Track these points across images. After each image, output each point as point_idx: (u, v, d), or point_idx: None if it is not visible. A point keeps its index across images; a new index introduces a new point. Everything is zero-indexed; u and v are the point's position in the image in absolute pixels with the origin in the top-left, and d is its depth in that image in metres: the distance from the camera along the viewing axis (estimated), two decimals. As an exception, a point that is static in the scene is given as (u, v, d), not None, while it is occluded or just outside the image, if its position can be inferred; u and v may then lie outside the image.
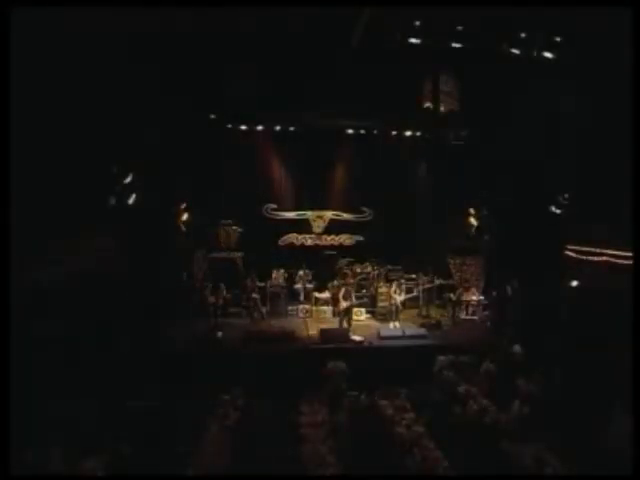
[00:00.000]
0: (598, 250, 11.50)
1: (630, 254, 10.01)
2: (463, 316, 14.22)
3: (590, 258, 11.76)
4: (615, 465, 6.49)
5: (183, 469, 7.12)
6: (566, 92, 11.97)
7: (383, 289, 14.33)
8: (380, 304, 14.28)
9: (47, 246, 9.03)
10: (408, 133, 16.61)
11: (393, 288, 13.86)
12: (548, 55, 11.67)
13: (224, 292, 13.78)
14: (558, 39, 11.52)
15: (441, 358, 10.79)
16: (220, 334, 12.21)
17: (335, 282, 14.78)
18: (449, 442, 7.88)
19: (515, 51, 11.74)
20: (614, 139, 11.22)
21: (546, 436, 7.76)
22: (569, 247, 12.64)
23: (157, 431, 8.11)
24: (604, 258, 11.29)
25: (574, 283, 12.38)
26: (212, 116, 14.86)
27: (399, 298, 13.67)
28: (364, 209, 17.07)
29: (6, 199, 6.01)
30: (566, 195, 13.49)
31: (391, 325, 13.17)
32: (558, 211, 13.75)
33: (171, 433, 8.15)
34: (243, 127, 15.88)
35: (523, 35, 11.56)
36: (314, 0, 9.25)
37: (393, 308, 13.65)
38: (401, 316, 13.99)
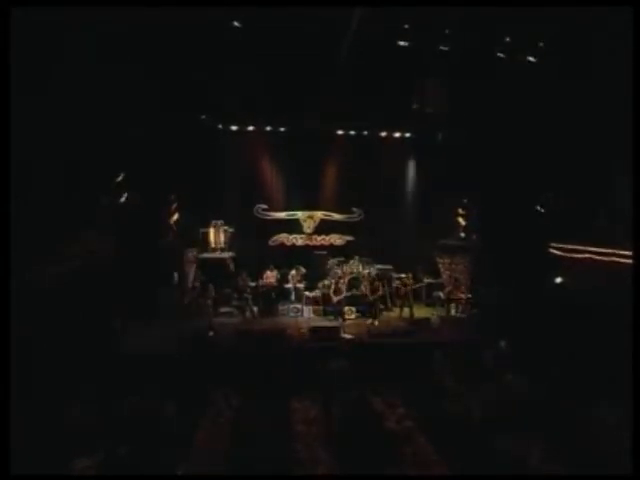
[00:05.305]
0: (581, 247, 11.79)
1: (610, 250, 10.36)
2: (452, 314, 14.46)
3: (573, 255, 12.06)
4: (615, 465, 6.59)
5: (177, 469, 7.25)
6: (552, 93, 12.18)
7: (373, 288, 14.50)
8: (370, 302, 14.43)
9: (43, 247, 9.11)
10: (397, 134, 16.86)
11: (382, 287, 14.11)
12: (532, 59, 11.91)
13: (213, 292, 13.87)
14: (544, 42, 11.73)
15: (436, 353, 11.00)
16: (211, 333, 12.30)
17: (326, 281, 15.04)
18: (440, 437, 8.09)
19: (501, 54, 11.96)
20: (599, 138, 11.51)
21: (536, 433, 7.96)
22: (553, 245, 12.94)
23: (151, 431, 8.18)
24: (586, 255, 11.58)
25: (558, 280, 12.69)
26: (203, 116, 14.97)
27: (388, 297, 13.91)
28: (354, 209, 17.23)
29: (5, 199, 6.10)
30: (550, 194, 13.77)
31: (376, 323, 13.38)
32: (543, 210, 14.03)
33: (165, 433, 8.22)
34: (234, 127, 16.02)
35: (512, 38, 11.76)
36: (306, 0, 9.38)
37: (382, 306, 13.87)
38: (390, 314, 14.26)
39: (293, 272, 15.35)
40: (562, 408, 8.54)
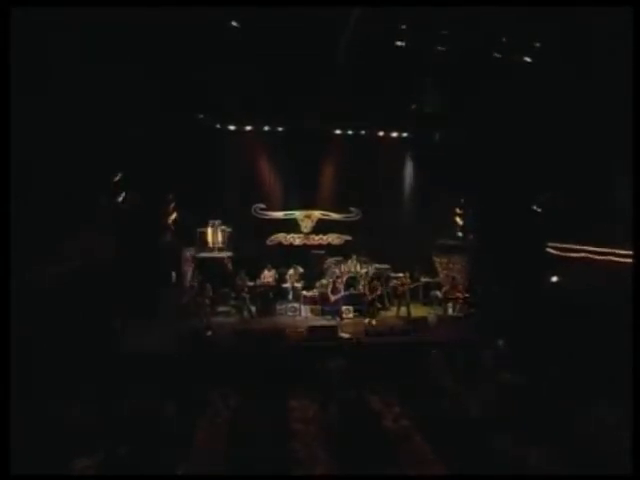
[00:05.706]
0: (577, 247, 11.86)
1: (606, 250, 10.43)
2: (449, 313, 14.51)
3: (570, 255, 12.12)
4: (615, 465, 6.61)
5: (177, 469, 7.25)
6: (551, 93, 12.22)
7: (370, 287, 14.53)
8: (367, 301, 14.47)
9: (43, 247, 9.10)
10: (395, 134, 16.90)
11: (379, 286, 14.14)
12: (531, 59, 11.94)
13: (210, 292, 13.87)
14: (544, 42, 11.74)
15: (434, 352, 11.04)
16: (209, 333, 12.30)
17: (323, 281, 15.07)
18: (438, 436, 8.12)
19: (499, 55, 11.98)
20: (599, 138, 11.56)
21: (536, 433, 7.99)
22: (550, 244, 13.00)
23: (151, 431, 8.17)
24: (583, 255, 11.65)
25: (554, 279, 12.76)
26: (201, 116, 14.96)
27: (386, 296, 13.96)
28: (352, 209, 17.24)
29: (5, 199, 6.09)
30: (549, 194, 13.82)
31: (374, 322, 13.39)
32: (539, 209, 14.09)
33: (165, 433, 8.21)
34: (232, 127, 16.01)
35: (511, 38, 11.78)
36: (303, 1, 9.37)
37: (380, 306, 13.91)
38: (388, 313, 14.30)
39: (291, 271, 15.38)
40: (561, 408, 8.58)
